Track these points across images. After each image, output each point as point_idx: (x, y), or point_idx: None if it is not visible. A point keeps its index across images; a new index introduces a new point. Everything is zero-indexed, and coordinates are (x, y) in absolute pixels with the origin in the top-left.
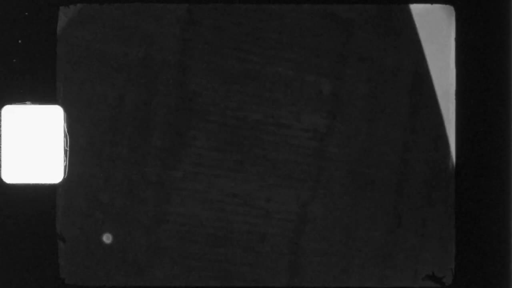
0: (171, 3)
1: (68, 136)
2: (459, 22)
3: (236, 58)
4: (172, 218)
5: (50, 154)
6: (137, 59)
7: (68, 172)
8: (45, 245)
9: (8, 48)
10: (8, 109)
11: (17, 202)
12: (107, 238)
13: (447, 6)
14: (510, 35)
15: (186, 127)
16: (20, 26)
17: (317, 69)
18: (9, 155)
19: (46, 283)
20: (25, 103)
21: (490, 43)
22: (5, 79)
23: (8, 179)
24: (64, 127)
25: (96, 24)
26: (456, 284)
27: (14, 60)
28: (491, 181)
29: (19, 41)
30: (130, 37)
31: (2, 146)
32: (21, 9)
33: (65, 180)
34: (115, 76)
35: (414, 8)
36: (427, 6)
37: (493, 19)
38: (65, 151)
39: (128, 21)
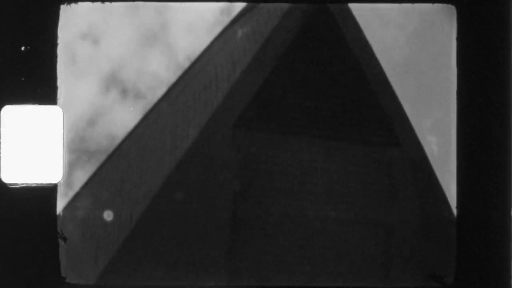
0: None
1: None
2: (460, 21)
3: (283, 277)
4: None
5: (50, 154)
6: None
7: (68, 171)
8: (46, 244)
9: (8, 48)
10: (8, 109)
11: (18, 202)
12: (108, 216)
13: (449, 6)
14: (511, 35)
15: None
16: (20, 26)
17: (364, 277)
18: (8, 156)
19: (47, 282)
20: (25, 104)
21: (491, 42)
22: (5, 79)
23: (8, 179)
24: (63, 127)
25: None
26: (457, 283)
27: (14, 61)
28: (492, 181)
29: (20, 41)
30: (175, 269)
31: (2, 146)
32: (21, 9)
33: (65, 179)
34: None
35: (415, 7)
36: (428, 5)
37: (494, 19)
38: (64, 150)
39: (172, 254)
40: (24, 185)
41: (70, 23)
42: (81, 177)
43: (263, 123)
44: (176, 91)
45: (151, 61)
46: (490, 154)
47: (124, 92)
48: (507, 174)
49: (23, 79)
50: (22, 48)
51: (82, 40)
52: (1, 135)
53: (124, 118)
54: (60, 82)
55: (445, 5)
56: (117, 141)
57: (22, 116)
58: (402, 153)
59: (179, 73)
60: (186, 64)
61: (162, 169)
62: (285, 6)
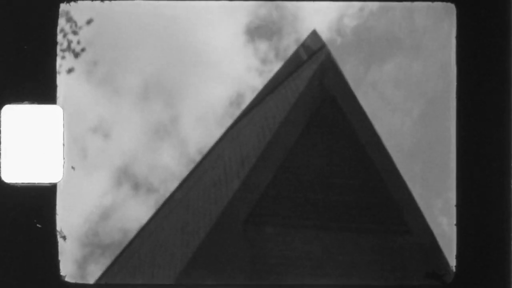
0: None
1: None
2: (460, 20)
3: None
4: None
5: (50, 154)
6: None
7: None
8: (45, 243)
9: (8, 48)
10: (8, 108)
11: (17, 202)
12: (106, 199)
13: (448, 4)
14: (511, 33)
15: None
16: (20, 25)
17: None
18: (9, 155)
19: (46, 281)
20: (24, 103)
21: (491, 41)
22: (5, 79)
23: (8, 178)
24: (63, 126)
25: None
26: (456, 282)
27: (14, 60)
28: (492, 180)
29: (19, 41)
30: None
31: (2, 146)
32: (20, 7)
33: (65, 179)
34: None
35: (415, 6)
36: (428, 4)
37: (494, 17)
38: (64, 150)
39: None
40: (24, 184)
41: (80, 118)
42: (95, 271)
43: (274, 218)
44: (186, 187)
45: (163, 155)
46: (490, 154)
47: (136, 186)
48: (508, 174)
49: (23, 78)
50: (22, 47)
51: (92, 134)
52: (1, 135)
53: (137, 212)
54: (72, 175)
55: (444, 3)
56: (131, 234)
57: (22, 115)
58: (413, 240)
59: (190, 166)
60: (197, 158)
61: (174, 265)
62: (292, 99)
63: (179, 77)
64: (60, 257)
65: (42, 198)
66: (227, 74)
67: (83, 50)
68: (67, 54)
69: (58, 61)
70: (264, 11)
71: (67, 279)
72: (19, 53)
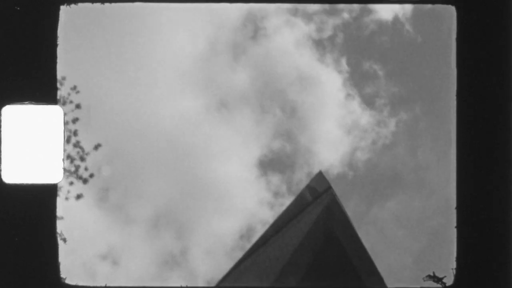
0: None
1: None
2: (460, 22)
3: None
4: None
5: (50, 154)
6: None
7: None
8: (46, 245)
9: (8, 48)
10: (8, 109)
11: (17, 202)
12: (105, 171)
13: (448, 6)
14: (511, 35)
15: None
16: (20, 26)
17: None
18: (9, 155)
19: (46, 283)
20: (25, 103)
21: (491, 43)
22: (5, 79)
23: (8, 179)
24: (63, 127)
25: None
26: (457, 284)
27: (15, 60)
28: (492, 182)
29: (20, 41)
30: None
31: (2, 146)
32: (21, 9)
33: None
34: None
35: (416, 8)
36: (429, 6)
37: (494, 19)
38: (65, 150)
39: None
40: (25, 184)
41: (90, 244)
42: None
43: None
44: None
45: (171, 285)
46: (490, 155)
47: None
48: (508, 175)
49: (23, 79)
50: (22, 48)
51: (101, 260)
52: (1, 135)
53: None
54: None
55: (445, 5)
56: None
57: (22, 115)
58: None
59: None
60: None
61: None
62: (296, 241)
63: (190, 208)
64: (60, 259)
65: (42, 199)
66: (239, 206)
67: (91, 176)
68: (74, 179)
69: (66, 187)
70: (278, 144)
71: (67, 281)
72: (19, 54)
